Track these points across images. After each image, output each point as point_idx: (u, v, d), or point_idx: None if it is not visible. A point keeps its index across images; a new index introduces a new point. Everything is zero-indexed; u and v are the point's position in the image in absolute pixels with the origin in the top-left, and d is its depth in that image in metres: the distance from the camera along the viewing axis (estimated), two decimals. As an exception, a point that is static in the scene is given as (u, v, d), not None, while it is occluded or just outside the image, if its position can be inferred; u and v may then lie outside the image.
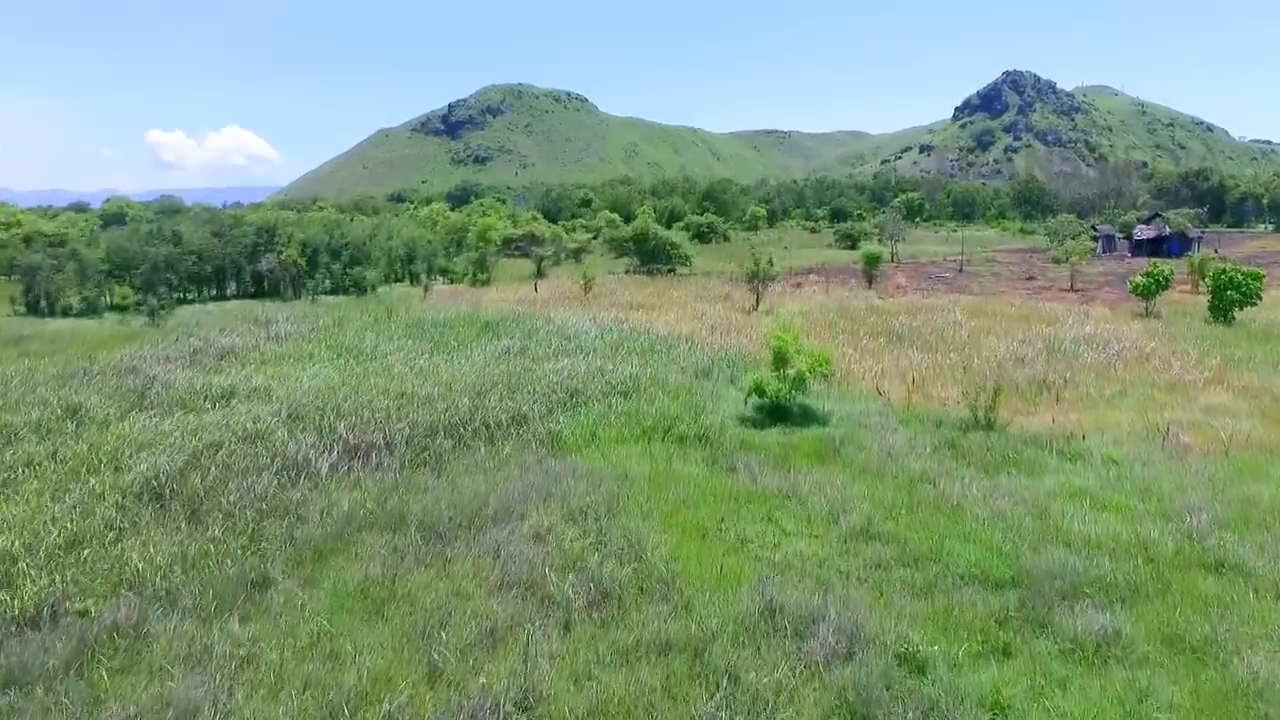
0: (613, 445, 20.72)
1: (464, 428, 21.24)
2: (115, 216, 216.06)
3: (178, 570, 13.67)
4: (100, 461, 18.45)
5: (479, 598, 12.91)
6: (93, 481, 17.11)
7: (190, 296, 56.91)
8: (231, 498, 16.51)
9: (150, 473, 17.29)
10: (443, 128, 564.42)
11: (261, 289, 58.37)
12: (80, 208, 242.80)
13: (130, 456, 18.63)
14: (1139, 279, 44.76)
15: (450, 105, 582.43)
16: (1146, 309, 44.53)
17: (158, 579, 13.31)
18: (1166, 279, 44.32)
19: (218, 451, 18.91)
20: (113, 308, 46.93)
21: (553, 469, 18.47)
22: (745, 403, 23.33)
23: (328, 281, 58.39)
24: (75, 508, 15.93)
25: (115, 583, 13.28)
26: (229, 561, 13.98)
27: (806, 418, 22.89)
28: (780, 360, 22.90)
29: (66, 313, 48.39)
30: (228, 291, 60.15)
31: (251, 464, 18.22)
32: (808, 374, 22.37)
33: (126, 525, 15.47)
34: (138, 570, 13.50)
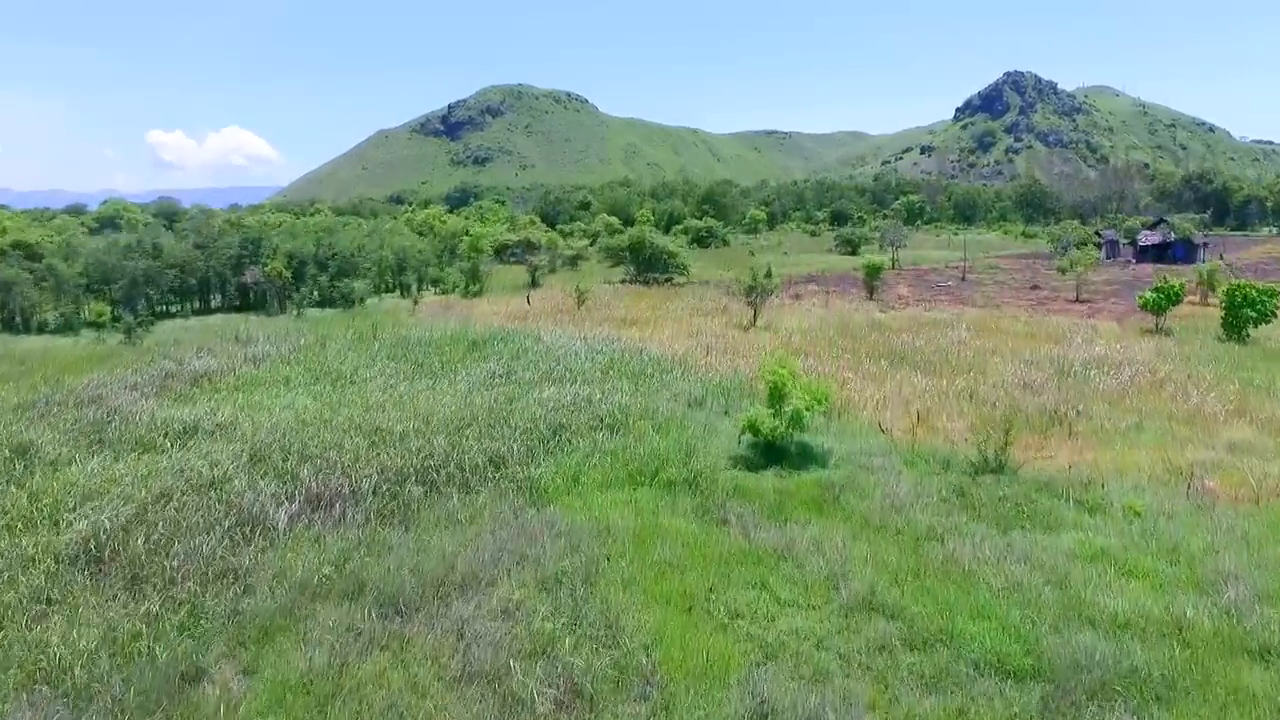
0: (596, 492, 19.31)
1: (438, 472, 19.82)
2: (110, 220, 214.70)
3: (103, 657, 12.27)
4: (39, 516, 17.06)
5: (436, 693, 11.52)
6: (25, 542, 15.72)
7: (173, 310, 55.50)
8: (176, 561, 15.10)
9: (90, 531, 15.90)
10: (442, 128, 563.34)
11: (247, 301, 56.88)
12: (77, 210, 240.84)
13: (73, 509, 17.23)
14: (1149, 294, 43.31)
15: (450, 106, 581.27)
16: (1157, 325, 43.11)
17: (78, 669, 11.91)
18: (1178, 294, 42.88)
19: (168, 503, 17.51)
20: (90, 324, 45.59)
21: (529, 523, 17.06)
22: (739, 441, 21.90)
23: (315, 293, 56.92)
24: (1, 575, 14.55)
25: (31, 674, 11.90)
26: (161, 646, 12.57)
27: (804, 457, 21.48)
28: (776, 396, 21.48)
29: (43, 329, 46.94)
30: (212, 304, 58.72)
31: (203, 519, 16.80)
32: (805, 411, 20.94)
33: (56, 596, 14.10)
34: (57, 659, 12.10)
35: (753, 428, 21.09)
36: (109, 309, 47.70)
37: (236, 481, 18.70)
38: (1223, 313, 40.19)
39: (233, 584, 14.55)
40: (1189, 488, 19.01)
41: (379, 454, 20.85)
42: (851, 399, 28.03)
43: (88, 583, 14.56)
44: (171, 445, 22.16)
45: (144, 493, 17.95)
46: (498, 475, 20.17)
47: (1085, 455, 21.90)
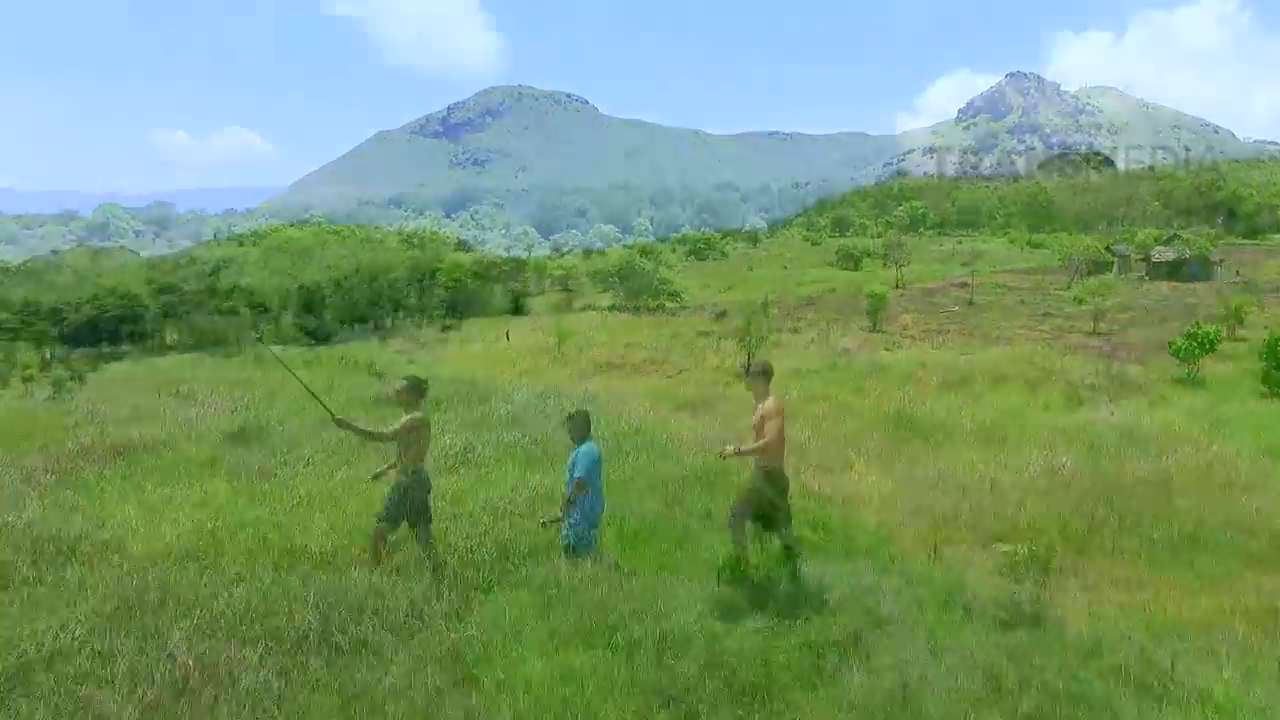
0: (536, 658, 15.47)
1: (343, 632, 16.09)
2: (101, 226, 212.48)
3: None
4: None
5: None
6: None
7: (123, 350, 52.10)
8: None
9: None
10: (441, 130, 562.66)
11: (205, 339, 53.54)
12: (70, 216, 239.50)
13: None
14: (1181, 341, 39.72)
15: (449, 107, 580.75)
16: (1189, 374, 39.49)
17: None
18: (1212, 342, 39.28)
19: (-18, 699, 13.80)
20: (22, 377, 42.19)
21: (441, 728, 13.33)
22: (718, 577, 18.18)
23: (277, 330, 53.41)
24: None
25: None
26: None
27: (795, 598, 17.73)
28: (764, 523, 17.75)
29: (-28, 379, 43.58)
30: (169, 339, 55.34)
31: (18, 729, 13.08)
32: (795, 551, 17.19)
33: None
34: None
35: (732, 569, 17.37)
36: (39, 359, 44.26)
37: (81, 656, 14.97)
38: (1264, 364, 36.56)
39: None
40: None
41: (280, 599, 17.15)
42: (855, 492, 24.34)
43: None
44: (34, 578, 18.45)
45: (-45, 682, 14.23)
46: (423, 629, 16.46)
47: (1136, 595, 18.15)
